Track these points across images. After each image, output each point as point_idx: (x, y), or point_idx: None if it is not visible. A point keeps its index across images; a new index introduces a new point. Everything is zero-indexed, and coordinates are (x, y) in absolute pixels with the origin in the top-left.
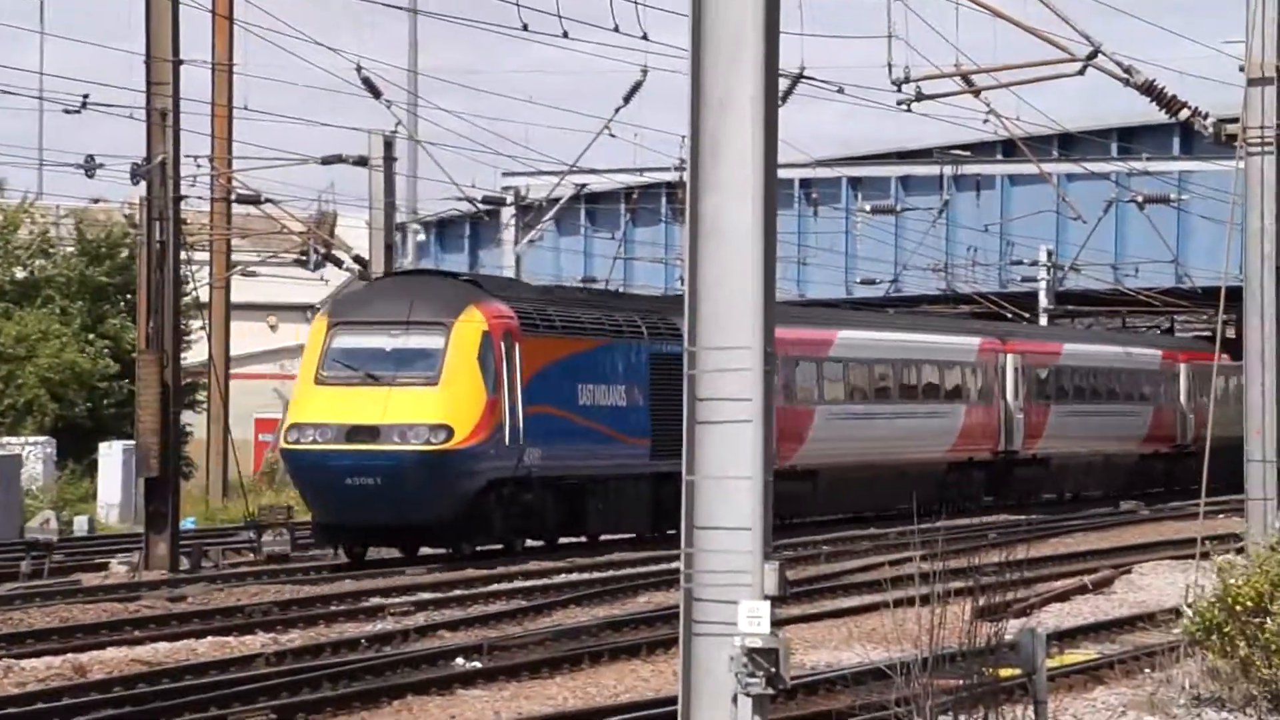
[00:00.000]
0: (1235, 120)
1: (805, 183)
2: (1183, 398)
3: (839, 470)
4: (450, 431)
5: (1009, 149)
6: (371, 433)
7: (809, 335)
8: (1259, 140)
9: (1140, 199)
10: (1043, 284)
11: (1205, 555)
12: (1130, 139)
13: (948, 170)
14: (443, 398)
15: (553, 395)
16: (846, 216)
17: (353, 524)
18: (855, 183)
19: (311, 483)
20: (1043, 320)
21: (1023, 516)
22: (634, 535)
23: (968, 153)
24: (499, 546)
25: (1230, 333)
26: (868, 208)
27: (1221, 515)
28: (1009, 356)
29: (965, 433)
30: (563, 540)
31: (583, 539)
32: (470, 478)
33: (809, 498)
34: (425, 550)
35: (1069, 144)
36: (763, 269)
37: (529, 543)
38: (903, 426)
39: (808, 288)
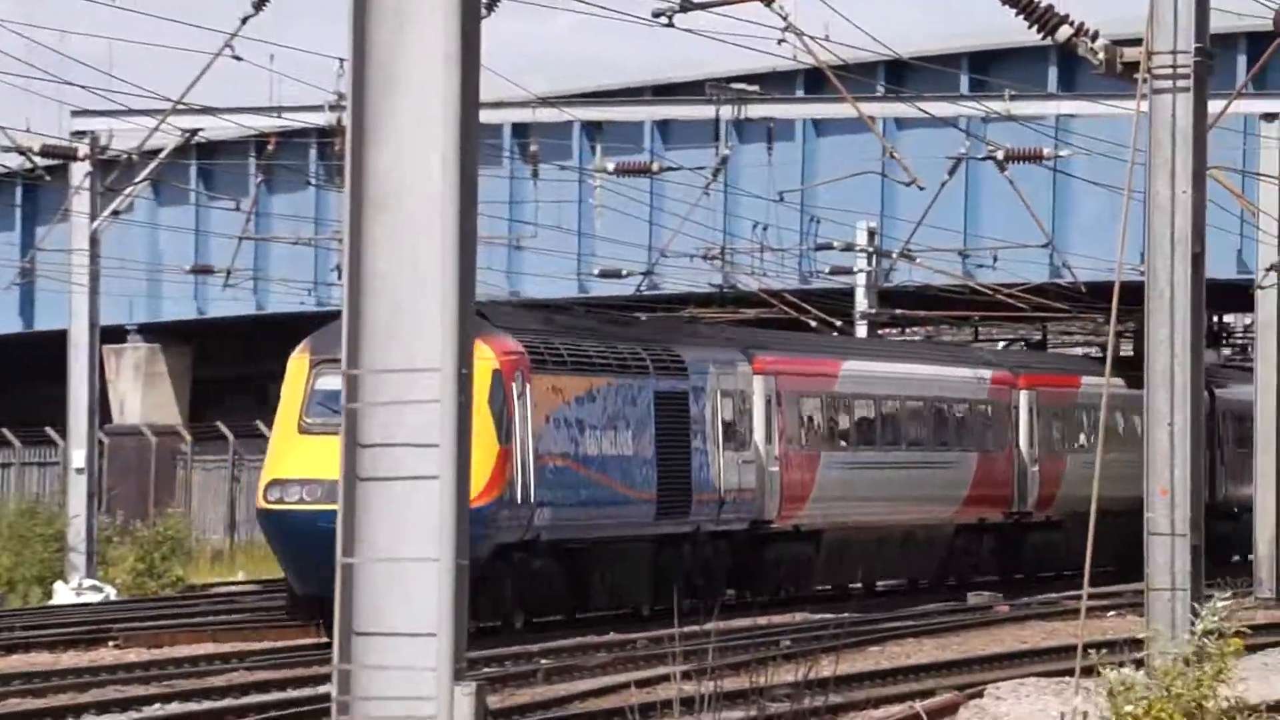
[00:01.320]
0: (1136, 42)
1: (520, 129)
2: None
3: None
4: None
5: (814, 82)
6: (317, 489)
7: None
8: (1170, 70)
9: (1000, 155)
10: (861, 278)
11: (1089, 671)
12: (987, 68)
13: (726, 113)
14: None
15: (564, 445)
16: (580, 180)
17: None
18: (593, 130)
19: (295, 548)
20: (860, 330)
21: (830, 615)
22: (631, 611)
23: (755, 87)
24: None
25: (1126, 348)
26: (610, 166)
27: (1111, 613)
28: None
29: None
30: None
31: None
32: (481, 543)
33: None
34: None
35: (900, 75)
36: (457, 255)
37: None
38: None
39: (522, 283)
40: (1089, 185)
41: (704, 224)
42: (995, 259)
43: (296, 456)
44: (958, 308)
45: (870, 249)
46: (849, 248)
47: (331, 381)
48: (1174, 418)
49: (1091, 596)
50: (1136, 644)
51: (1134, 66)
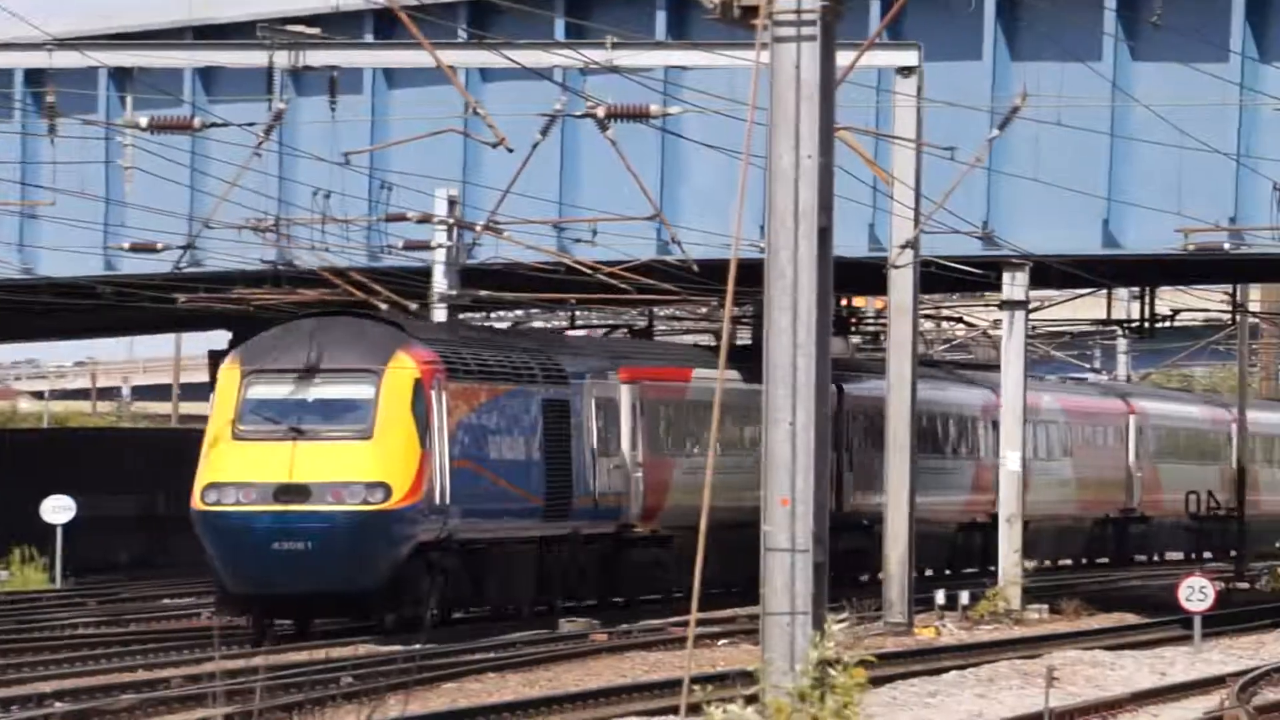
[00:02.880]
0: None
1: (35, 76)
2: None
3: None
4: (388, 490)
5: (385, 24)
6: (301, 492)
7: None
8: (794, 17)
9: (601, 112)
10: (440, 254)
11: (695, 709)
12: (586, 12)
13: (281, 59)
14: (378, 453)
15: (472, 449)
16: (108, 137)
17: (275, 592)
18: (122, 78)
19: (231, 547)
20: (439, 314)
21: (403, 645)
22: (516, 611)
23: (316, 30)
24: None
25: (745, 336)
26: (143, 121)
27: (723, 641)
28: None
29: None
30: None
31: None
32: (405, 541)
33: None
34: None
35: (485, 18)
36: None
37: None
38: None
39: (37, 259)
40: (703, 148)
41: (255, 190)
42: (595, 233)
43: (233, 461)
44: (552, 288)
45: (450, 220)
46: (426, 219)
47: (263, 390)
48: (796, 416)
49: (702, 623)
50: (749, 677)
51: (753, 12)
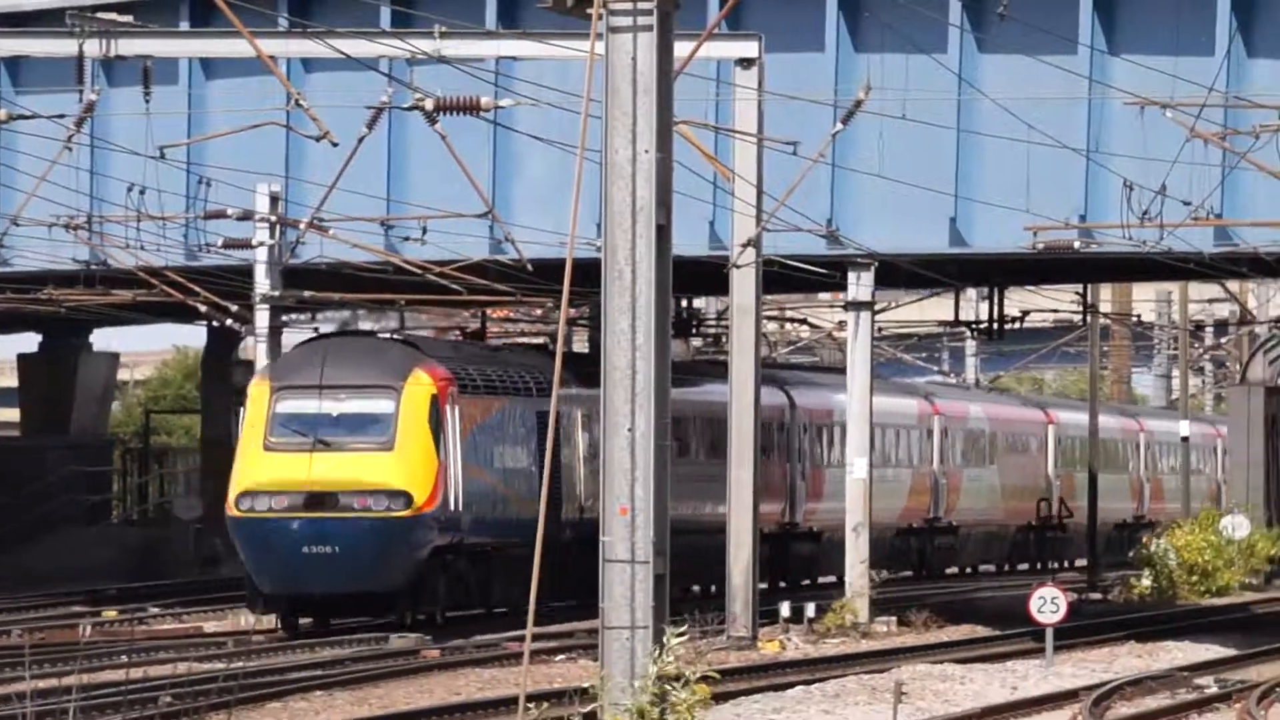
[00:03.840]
0: None
1: None
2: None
3: None
4: (409, 498)
5: (202, 11)
6: (329, 499)
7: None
8: (629, 6)
9: (430, 105)
10: (262, 252)
11: None
12: (413, 0)
13: (92, 48)
14: (399, 463)
15: (478, 458)
16: None
17: (305, 593)
18: None
19: (263, 550)
20: (261, 319)
21: (226, 663)
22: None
23: (128, 17)
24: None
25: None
26: None
27: (561, 657)
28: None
29: None
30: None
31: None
32: (424, 545)
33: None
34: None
35: (307, 5)
36: None
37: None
38: None
39: None
40: (537, 143)
41: (65, 186)
42: (425, 231)
43: (264, 470)
44: (380, 289)
45: (272, 218)
46: (246, 216)
47: (292, 405)
48: (635, 422)
49: (540, 637)
50: (588, 694)
51: (588, 1)
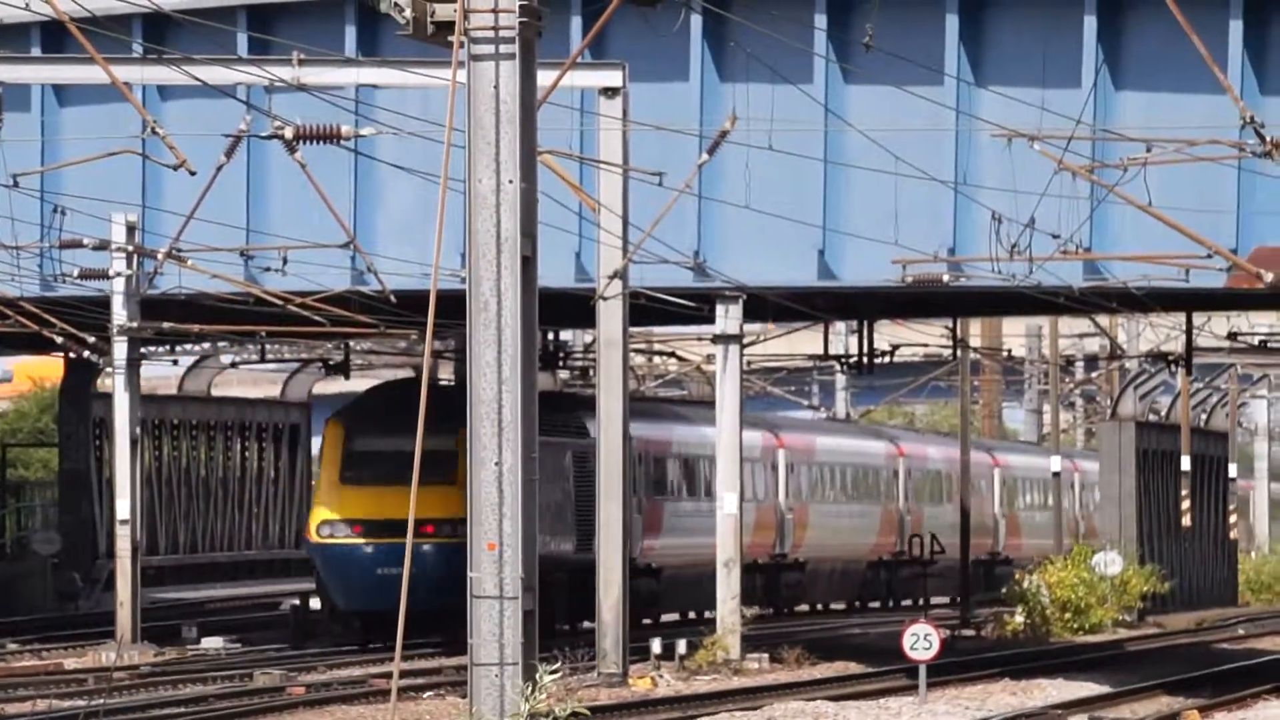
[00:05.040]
0: None
1: None
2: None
3: None
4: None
5: (54, 37)
6: (399, 527)
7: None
8: (491, 33)
9: (289, 133)
10: (119, 283)
11: None
12: (270, 26)
13: None
14: (460, 496)
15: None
16: None
17: (378, 610)
18: None
19: (341, 573)
20: (120, 351)
21: (86, 701)
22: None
23: None
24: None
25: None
26: None
27: (429, 694)
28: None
29: None
30: None
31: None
32: None
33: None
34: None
35: (162, 31)
36: None
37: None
38: None
39: None
40: (399, 172)
41: None
42: (285, 261)
43: (342, 502)
44: (241, 320)
45: (129, 248)
46: (103, 246)
47: (364, 444)
48: (502, 456)
49: (407, 674)
50: None
51: (448, 27)
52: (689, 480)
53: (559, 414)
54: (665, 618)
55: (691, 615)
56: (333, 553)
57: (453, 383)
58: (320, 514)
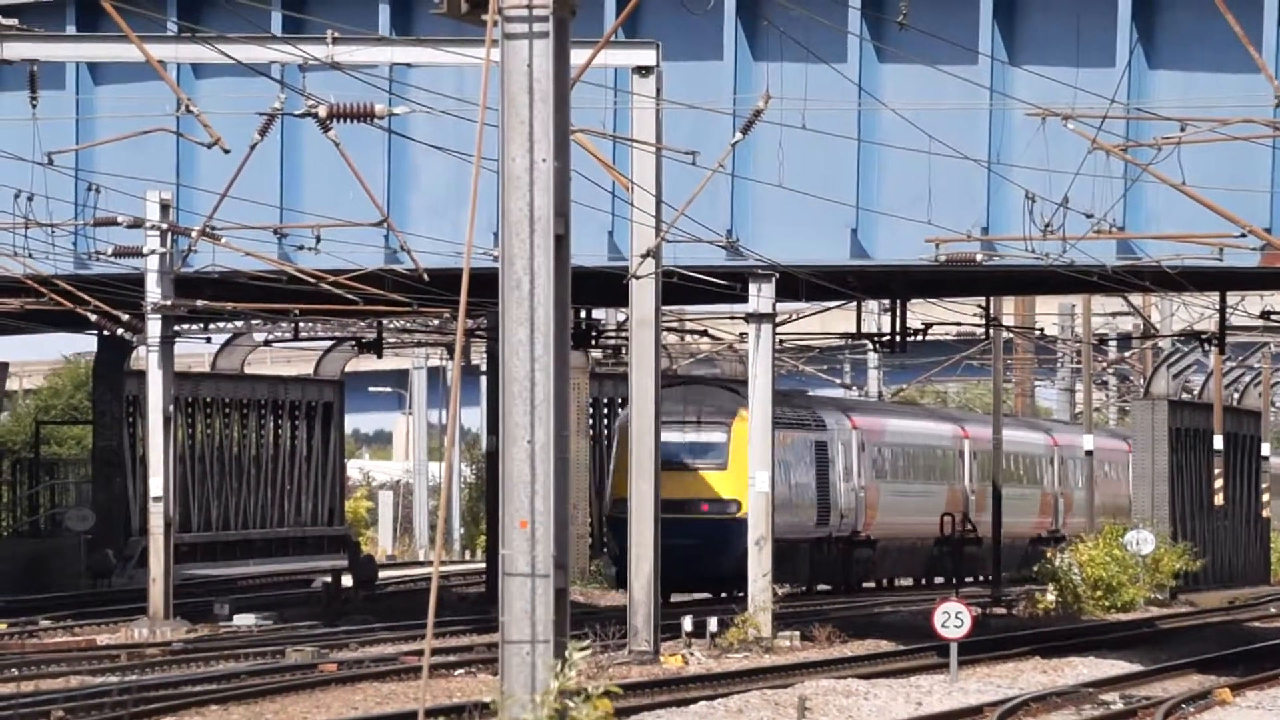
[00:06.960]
0: None
1: None
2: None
3: None
4: (738, 505)
5: (89, 15)
6: (685, 505)
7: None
8: (525, 12)
9: (323, 112)
10: (153, 261)
11: None
12: (305, 5)
13: None
14: (731, 480)
15: (783, 477)
16: None
17: (668, 574)
18: None
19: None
20: (153, 329)
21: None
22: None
23: (14, 20)
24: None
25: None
26: None
27: (460, 671)
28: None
29: None
30: None
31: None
32: (744, 540)
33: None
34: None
35: (197, 10)
36: None
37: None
38: None
39: None
40: (432, 151)
41: None
42: (319, 239)
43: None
44: (274, 298)
45: (164, 226)
46: (137, 224)
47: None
48: (534, 433)
49: (439, 651)
50: (487, 709)
51: (482, 6)
52: (907, 465)
53: (801, 410)
54: (696, 596)
55: (903, 582)
56: (621, 525)
57: (728, 381)
58: (615, 493)
